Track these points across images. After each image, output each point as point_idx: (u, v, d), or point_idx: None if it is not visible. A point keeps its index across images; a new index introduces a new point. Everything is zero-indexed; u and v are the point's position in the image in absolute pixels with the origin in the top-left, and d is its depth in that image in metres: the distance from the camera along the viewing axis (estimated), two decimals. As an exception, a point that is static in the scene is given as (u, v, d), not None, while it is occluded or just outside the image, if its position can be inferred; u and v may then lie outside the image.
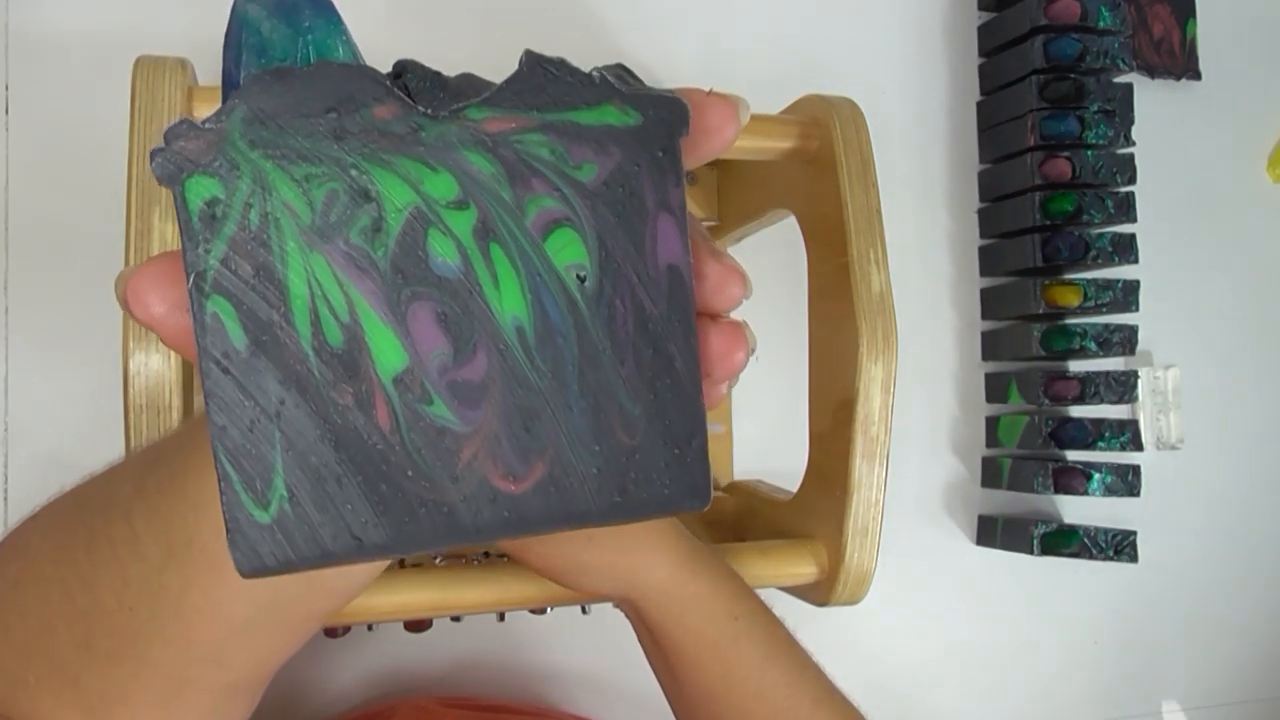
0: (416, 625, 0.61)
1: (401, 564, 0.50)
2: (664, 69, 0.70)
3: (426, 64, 0.23)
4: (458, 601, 0.42)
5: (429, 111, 0.22)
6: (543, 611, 0.61)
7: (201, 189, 0.21)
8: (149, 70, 0.40)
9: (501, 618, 0.63)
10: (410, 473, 0.22)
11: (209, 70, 0.47)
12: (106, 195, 0.48)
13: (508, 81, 0.23)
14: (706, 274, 0.24)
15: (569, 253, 0.23)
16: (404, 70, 0.22)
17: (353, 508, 0.22)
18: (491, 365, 0.22)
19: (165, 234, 0.38)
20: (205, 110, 0.40)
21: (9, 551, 0.32)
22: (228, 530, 0.21)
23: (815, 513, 0.50)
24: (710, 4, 0.71)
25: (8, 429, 0.57)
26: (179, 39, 0.61)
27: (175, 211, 0.21)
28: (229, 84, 0.23)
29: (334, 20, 0.23)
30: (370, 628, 0.61)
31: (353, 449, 0.22)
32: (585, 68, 0.23)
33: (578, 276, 0.23)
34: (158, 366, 0.37)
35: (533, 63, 0.23)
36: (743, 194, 0.61)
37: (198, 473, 0.27)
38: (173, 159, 0.21)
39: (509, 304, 0.22)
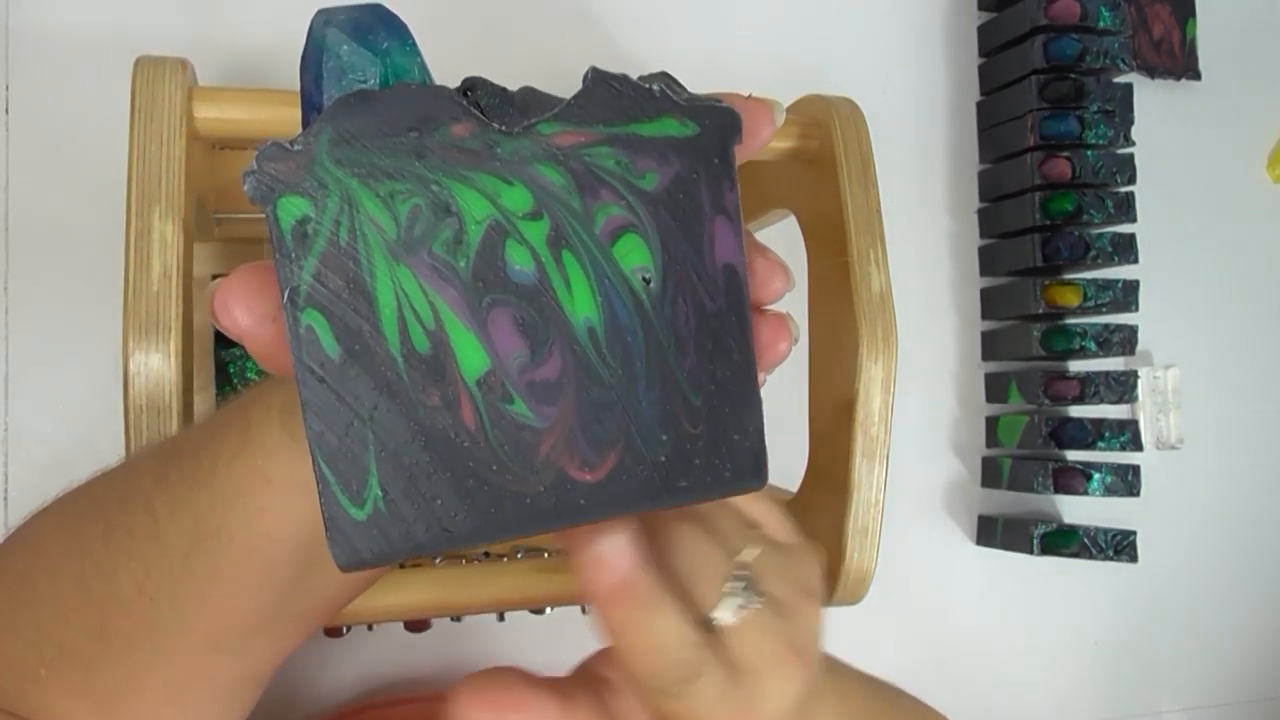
0: (416, 625, 0.61)
1: (401, 564, 0.50)
2: (664, 69, 0.70)
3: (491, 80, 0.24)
4: (458, 601, 0.42)
5: (503, 128, 0.24)
6: (542, 611, 0.61)
7: (293, 208, 0.22)
8: (149, 70, 0.40)
9: (501, 618, 0.63)
10: (495, 467, 0.23)
11: (209, 70, 0.47)
12: (106, 195, 0.48)
13: (576, 98, 0.24)
14: (754, 269, 0.26)
15: (635, 256, 0.24)
16: (473, 87, 0.24)
17: (442, 502, 0.23)
18: (566, 364, 0.24)
19: (165, 234, 0.38)
20: (206, 108, 0.41)
21: (19, 544, 0.32)
22: (327, 529, 0.23)
23: (815, 513, 0.50)
24: (710, 4, 0.72)
25: (8, 429, 0.57)
26: (179, 39, 0.61)
27: (268, 230, 0.22)
28: (309, 105, 0.24)
29: (408, 42, 0.24)
30: (370, 628, 0.61)
31: (441, 447, 0.23)
32: (637, 77, 0.25)
33: (643, 278, 0.24)
34: (158, 366, 0.37)
35: (598, 80, 0.24)
36: (743, 194, 0.61)
37: (226, 464, 0.28)
38: (265, 180, 0.22)
39: (581, 306, 0.24)
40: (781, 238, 0.55)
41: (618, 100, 0.24)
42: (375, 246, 0.23)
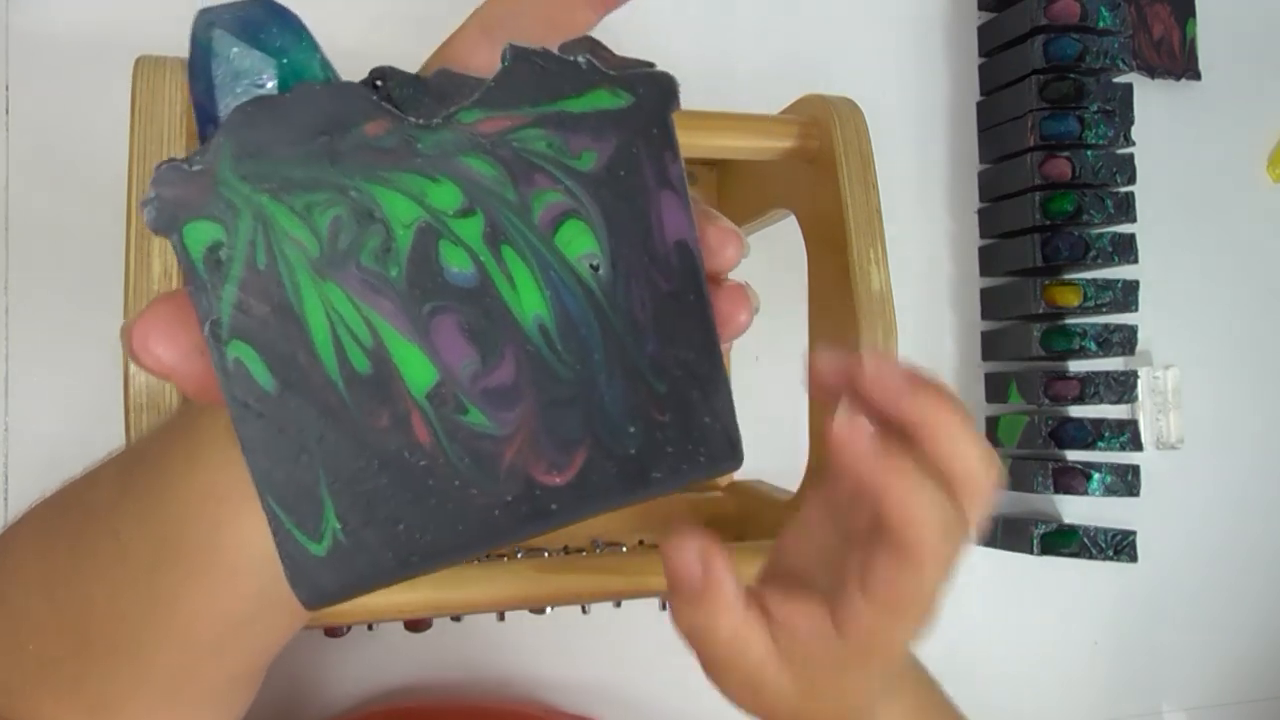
0: (416, 625, 0.61)
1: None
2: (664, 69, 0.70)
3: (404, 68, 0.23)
4: (458, 601, 0.42)
5: (421, 121, 0.22)
6: (542, 611, 0.61)
7: (201, 234, 0.20)
8: (149, 70, 0.40)
9: (501, 617, 0.63)
10: (457, 482, 0.22)
11: (209, 70, 0.47)
12: (106, 195, 0.48)
13: (496, 79, 0.22)
14: (706, 240, 0.25)
15: (579, 243, 0.23)
16: (383, 77, 0.22)
17: (405, 525, 0.22)
18: (520, 366, 0.22)
19: (165, 234, 0.38)
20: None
21: None
22: (286, 570, 0.21)
23: (815, 513, 0.50)
24: (711, 4, 0.71)
25: (8, 429, 0.57)
26: (179, 39, 0.61)
27: (177, 260, 0.20)
28: (205, 118, 0.22)
29: (304, 37, 0.22)
30: (370, 628, 0.61)
31: (397, 469, 0.22)
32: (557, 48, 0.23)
33: (591, 266, 0.23)
34: (158, 366, 0.37)
35: (518, 57, 0.22)
36: (743, 194, 0.61)
37: (180, 479, 0.27)
38: (166, 207, 0.20)
39: (528, 303, 0.22)
40: (781, 238, 0.55)
41: (542, 77, 0.22)
42: (298, 265, 0.21)
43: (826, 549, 0.34)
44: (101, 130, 0.56)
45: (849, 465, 0.29)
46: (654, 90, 0.23)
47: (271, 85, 0.21)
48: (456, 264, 0.22)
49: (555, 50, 0.23)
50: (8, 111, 0.58)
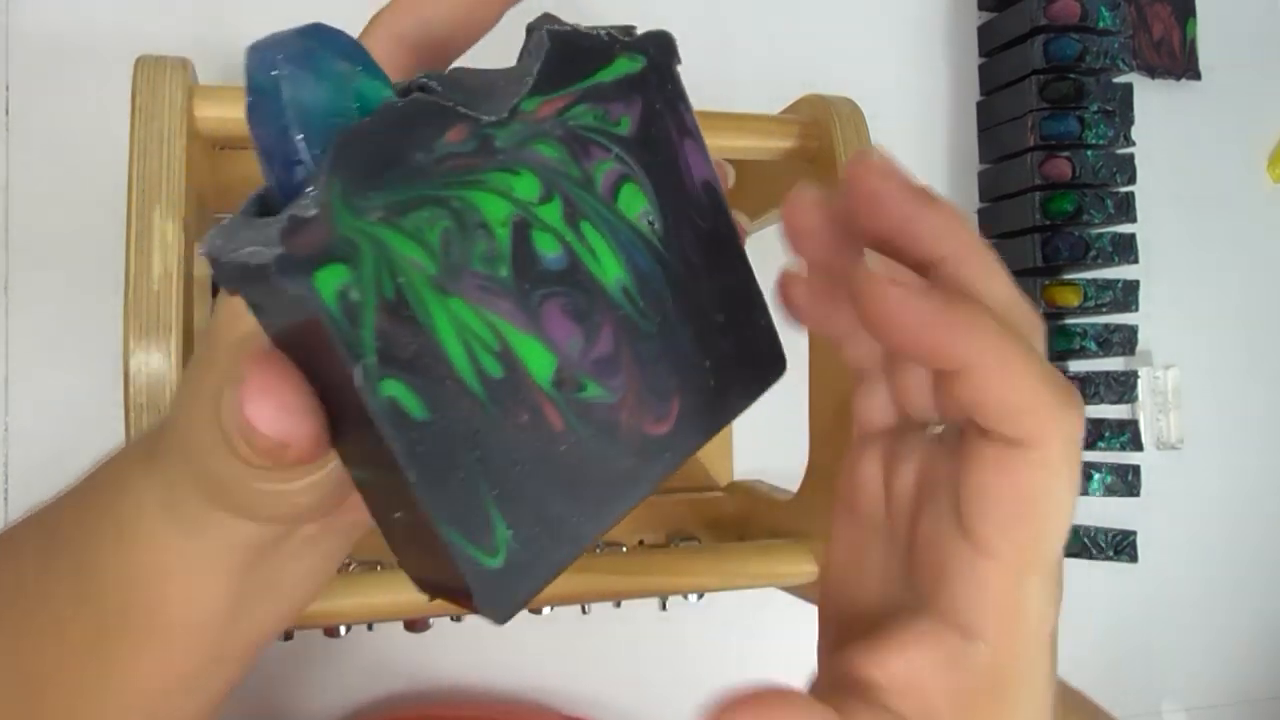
0: (416, 625, 0.61)
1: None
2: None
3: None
4: (458, 601, 0.42)
5: (493, 118, 0.23)
6: (540, 611, 0.61)
7: (332, 279, 0.19)
8: (149, 70, 0.40)
9: (501, 618, 0.63)
10: (592, 457, 0.23)
11: (209, 70, 0.47)
12: (107, 195, 0.48)
13: (544, 65, 0.24)
14: None
15: (636, 204, 0.25)
16: (424, 86, 0.22)
17: (563, 512, 0.23)
18: (616, 331, 0.24)
19: (166, 233, 0.38)
20: (207, 108, 0.40)
21: None
22: (473, 593, 0.21)
23: (815, 513, 0.50)
24: (711, 4, 0.72)
25: (8, 429, 0.57)
26: (179, 39, 0.61)
27: (306, 313, 0.19)
28: (284, 162, 0.21)
29: (364, 57, 0.22)
30: (370, 628, 0.61)
31: (544, 460, 0.23)
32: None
33: (649, 222, 0.25)
34: (158, 366, 0.37)
35: (557, 40, 0.24)
36: (743, 194, 0.61)
37: (115, 556, 0.26)
38: (293, 261, 0.19)
39: (609, 271, 0.24)
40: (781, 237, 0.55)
41: (578, 55, 0.24)
42: (422, 287, 0.21)
43: (879, 572, 0.27)
44: (102, 130, 0.56)
45: (900, 324, 0.22)
46: (659, 49, 0.26)
47: (353, 113, 0.21)
48: (549, 250, 0.23)
49: (581, 27, 0.25)
50: (8, 112, 0.58)
